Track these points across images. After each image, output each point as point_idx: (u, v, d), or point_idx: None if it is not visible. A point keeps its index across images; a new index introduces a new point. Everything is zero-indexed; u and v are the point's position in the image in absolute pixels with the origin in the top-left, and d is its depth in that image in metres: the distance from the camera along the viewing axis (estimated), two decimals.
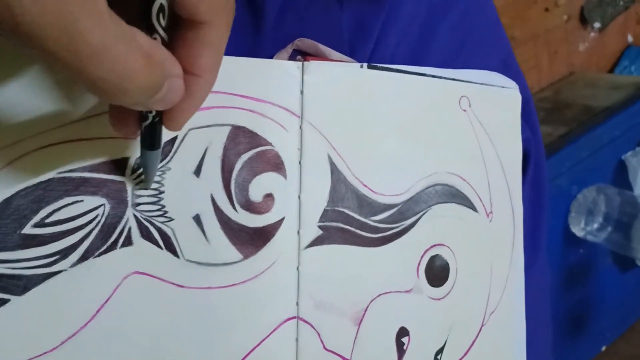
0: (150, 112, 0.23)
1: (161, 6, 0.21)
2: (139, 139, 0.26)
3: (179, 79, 0.21)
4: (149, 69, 0.19)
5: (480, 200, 0.37)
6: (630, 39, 1.58)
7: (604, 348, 1.20)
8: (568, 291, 1.09)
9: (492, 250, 0.38)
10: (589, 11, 1.47)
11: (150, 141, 0.25)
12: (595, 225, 1.05)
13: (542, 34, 1.40)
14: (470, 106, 0.36)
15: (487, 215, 0.37)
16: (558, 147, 1.02)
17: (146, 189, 0.27)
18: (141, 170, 0.27)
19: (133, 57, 0.18)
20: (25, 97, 0.25)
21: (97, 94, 0.19)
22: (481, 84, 0.37)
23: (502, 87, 0.39)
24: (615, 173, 1.09)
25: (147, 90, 0.20)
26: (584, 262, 1.10)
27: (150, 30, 0.21)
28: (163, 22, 0.21)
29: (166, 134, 0.27)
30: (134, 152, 0.27)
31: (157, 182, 0.28)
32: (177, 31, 0.22)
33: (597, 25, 1.49)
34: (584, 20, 1.48)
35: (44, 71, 0.25)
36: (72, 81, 0.25)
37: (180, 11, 0.21)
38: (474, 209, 0.37)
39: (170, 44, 0.22)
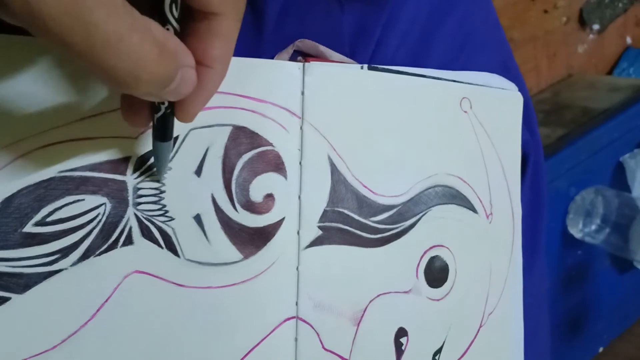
0: (163, 103, 0.24)
1: None
2: (141, 136, 0.26)
3: (192, 69, 0.22)
4: (162, 59, 0.19)
5: (480, 201, 0.37)
6: (629, 41, 1.58)
7: (601, 349, 1.20)
8: (566, 293, 1.09)
9: (491, 252, 0.38)
10: (588, 13, 1.47)
11: (163, 132, 0.25)
12: (593, 227, 1.05)
13: (541, 35, 1.40)
14: (471, 108, 0.36)
15: (487, 217, 0.37)
16: (556, 149, 1.02)
17: (158, 180, 0.27)
18: (142, 168, 0.27)
19: (147, 46, 0.19)
20: (26, 97, 0.25)
21: (111, 83, 0.19)
22: (482, 85, 0.37)
23: (502, 89, 0.39)
24: (613, 175, 1.09)
25: (160, 80, 0.20)
26: (581, 263, 1.10)
27: (163, 21, 0.21)
28: (176, 13, 0.21)
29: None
30: (136, 151, 0.27)
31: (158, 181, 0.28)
32: (189, 22, 0.22)
33: (596, 27, 1.49)
34: (582, 22, 1.48)
35: (44, 71, 0.25)
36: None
37: (192, 2, 0.21)
38: (473, 210, 0.37)
39: (182, 35, 0.22)
